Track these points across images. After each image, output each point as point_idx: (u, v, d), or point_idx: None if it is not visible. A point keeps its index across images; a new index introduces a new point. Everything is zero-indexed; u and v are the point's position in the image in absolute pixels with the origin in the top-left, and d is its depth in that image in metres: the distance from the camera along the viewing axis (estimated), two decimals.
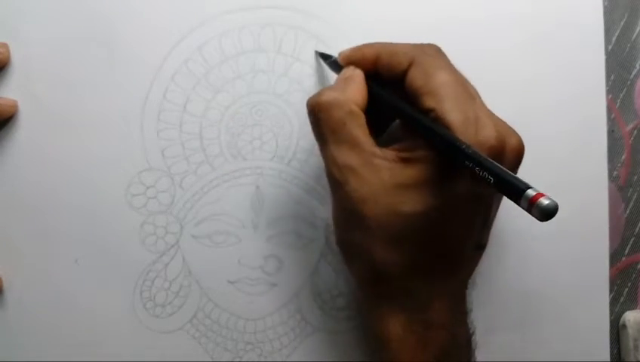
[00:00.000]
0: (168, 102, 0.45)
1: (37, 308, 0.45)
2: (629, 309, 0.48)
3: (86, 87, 0.45)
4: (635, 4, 0.47)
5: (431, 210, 0.35)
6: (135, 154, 0.45)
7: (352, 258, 0.40)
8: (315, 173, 0.45)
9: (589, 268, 0.46)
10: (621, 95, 0.47)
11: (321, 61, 0.45)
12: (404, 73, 0.38)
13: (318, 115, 0.38)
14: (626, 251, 0.48)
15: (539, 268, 0.45)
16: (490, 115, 0.37)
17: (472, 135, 0.35)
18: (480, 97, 0.38)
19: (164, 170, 0.45)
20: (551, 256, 0.46)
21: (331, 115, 0.37)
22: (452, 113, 0.35)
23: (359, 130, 0.37)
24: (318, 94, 0.38)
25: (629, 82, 0.47)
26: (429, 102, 0.36)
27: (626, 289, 0.48)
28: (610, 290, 0.47)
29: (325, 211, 0.45)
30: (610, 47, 0.47)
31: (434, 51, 0.39)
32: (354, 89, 0.39)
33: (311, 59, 0.45)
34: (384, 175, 0.36)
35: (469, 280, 0.40)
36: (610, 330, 0.46)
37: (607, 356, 0.46)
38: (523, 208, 0.29)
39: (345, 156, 0.37)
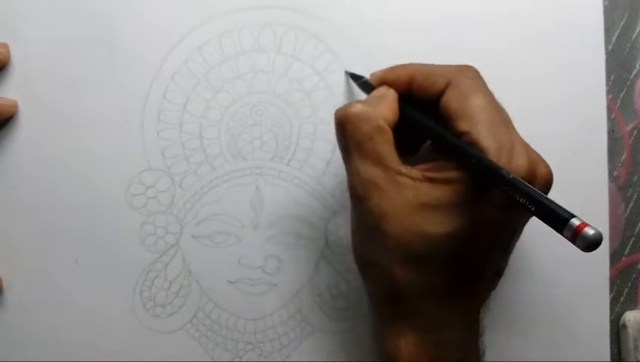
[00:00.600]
0: (168, 102, 0.45)
1: (37, 307, 0.45)
2: (629, 309, 0.47)
3: (86, 87, 0.45)
4: (635, 4, 0.47)
5: (454, 233, 0.35)
6: (135, 154, 0.45)
7: (369, 274, 0.39)
8: (315, 173, 0.45)
9: (589, 268, 0.46)
10: (621, 95, 0.47)
11: (351, 82, 0.44)
12: (440, 94, 0.38)
13: (345, 126, 0.37)
14: (626, 251, 0.48)
15: (539, 268, 0.45)
16: (523, 142, 0.36)
17: (505, 162, 0.34)
18: (512, 124, 0.38)
19: (164, 170, 0.45)
20: (551, 256, 0.46)
21: (359, 127, 0.37)
22: (487, 138, 0.35)
23: (386, 146, 0.37)
24: (347, 106, 0.38)
25: (629, 82, 0.47)
26: (463, 126, 0.36)
27: (626, 289, 0.48)
28: (611, 290, 0.47)
29: (325, 211, 0.45)
30: (610, 47, 0.47)
31: (472, 74, 0.38)
32: (385, 106, 0.38)
33: (311, 59, 0.45)
34: (408, 193, 0.35)
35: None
36: (611, 330, 0.46)
37: (607, 356, 0.46)
38: (566, 238, 0.29)
39: (369, 171, 0.36)
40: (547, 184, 0.37)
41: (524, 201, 0.31)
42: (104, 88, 0.45)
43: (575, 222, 0.28)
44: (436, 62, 0.45)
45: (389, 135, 0.37)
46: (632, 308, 0.48)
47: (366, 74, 0.44)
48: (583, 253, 0.46)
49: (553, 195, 0.45)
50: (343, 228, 0.45)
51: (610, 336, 0.46)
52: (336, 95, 0.45)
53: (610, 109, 0.47)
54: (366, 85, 0.42)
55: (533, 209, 0.31)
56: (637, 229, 0.48)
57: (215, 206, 0.45)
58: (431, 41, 0.46)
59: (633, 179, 0.48)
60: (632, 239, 0.48)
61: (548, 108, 0.46)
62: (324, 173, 0.45)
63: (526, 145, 0.36)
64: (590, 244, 0.28)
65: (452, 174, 0.35)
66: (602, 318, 0.46)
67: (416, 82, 0.39)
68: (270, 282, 0.45)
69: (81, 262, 0.45)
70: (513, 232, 0.38)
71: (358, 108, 0.37)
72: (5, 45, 0.44)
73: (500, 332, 0.46)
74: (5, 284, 0.45)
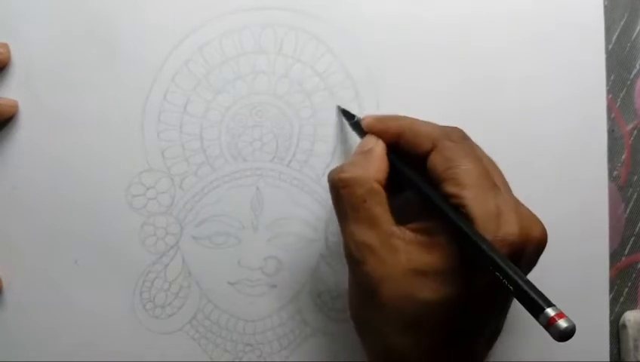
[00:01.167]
0: (169, 103, 0.45)
1: (37, 308, 0.45)
2: (629, 309, 0.48)
3: (86, 88, 0.45)
4: (635, 3, 0.47)
5: (446, 300, 0.35)
6: (135, 155, 0.45)
7: (366, 334, 0.39)
8: (315, 174, 0.45)
9: (588, 267, 0.46)
10: (621, 95, 0.47)
11: (343, 118, 0.45)
12: (425, 155, 0.38)
13: (339, 191, 0.38)
14: (626, 251, 0.48)
15: (538, 268, 0.45)
16: (514, 206, 0.36)
17: (493, 230, 0.34)
18: (505, 183, 0.38)
19: (164, 171, 0.45)
20: (550, 255, 0.45)
21: (352, 192, 0.37)
22: (473, 204, 0.35)
23: (379, 209, 0.37)
24: (340, 170, 0.38)
25: (629, 82, 0.48)
26: (449, 188, 0.36)
27: (626, 289, 0.48)
28: (610, 290, 0.47)
29: (325, 212, 0.45)
30: (610, 47, 0.47)
31: (458, 137, 0.38)
32: (375, 165, 0.38)
33: (311, 60, 0.45)
34: (401, 257, 0.35)
35: None
36: (610, 330, 0.46)
37: (606, 356, 0.46)
38: (541, 324, 0.29)
39: (363, 234, 0.37)
40: (540, 247, 0.37)
41: (502, 279, 0.31)
42: (104, 89, 0.45)
43: (550, 312, 0.29)
44: (437, 64, 0.46)
45: (382, 196, 0.37)
46: (632, 307, 0.48)
47: (366, 76, 0.44)
48: (583, 252, 0.46)
49: (553, 195, 0.45)
50: None
51: (610, 336, 0.46)
52: (336, 97, 0.45)
53: (610, 109, 0.47)
54: (357, 126, 0.42)
55: (511, 289, 0.31)
56: (637, 229, 0.48)
57: (215, 207, 0.45)
58: (431, 41, 0.46)
59: (633, 178, 0.48)
60: (632, 239, 0.48)
61: (548, 108, 0.46)
62: (324, 175, 0.45)
63: (517, 208, 0.36)
64: (563, 336, 0.28)
65: (441, 239, 0.35)
66: (602, 318, 0.46)
67: (404, 138, 0.39)
68: (270, 283, 0.45)
69: (81, 262, 0.45)
70: (509, 293, 0.38)
71: (350, 172, 0.38)
72: (5, 45, 0.44)
73: (500, 333, 0.46)
74: (5, 284, 0.45)
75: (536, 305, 0.30)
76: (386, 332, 0.36)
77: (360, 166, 0.38)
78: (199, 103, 0.45)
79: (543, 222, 0.43)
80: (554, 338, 0.28)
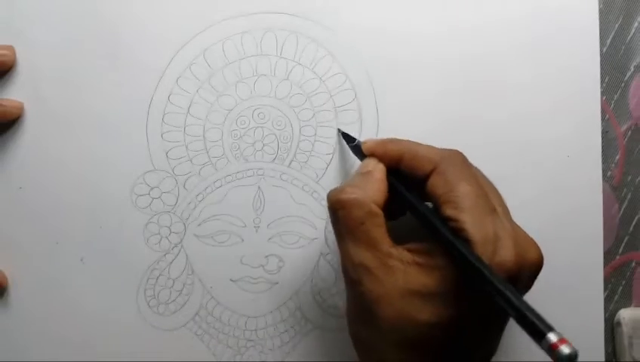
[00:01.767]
0: (172, 105, 0.45)
1: (42, 306, 0.45)
2: (623, 307, 0.48)
3: (91, 90, 0.45)
4: (629, 6, 0.48)
5: (445, 322, 0.35)
6: (139, 156, 0.45)
7: (364, 352, 0.39)
8: (316, 174, 0.45)
9: (583, 266, 0.46)
10: (615, 96, 0.48)
11: (343, 142, 0.45)
12: (426, 177, 0.38)
13: (338, 212, 0.38)
14: (620, 250, 0.48)
15: None
16: (511, 231, 0.36)
17: (490, 255, 0.34)
18: (504, 206, 0.38)
19: (168, 171, 0.45)
20: (545, 254, 0.45)
21: (351, 213, 0.37)
22: (471, 228, 0.35)
23: (377, 230, 0.37)
24: (339, 191, 0.38)
25: (623, 84, 0.48)
26: (448, 211, 0.36)
27: (621, 288, 0.48)
28: (605, 288, 0.47)
29: (325, 211, 0.45)
30: (604, 49, 0.47)
31: (458, 160, 0.38)
32: (374, 187, 0.38)
33: (311, 63, 0.45)
34: (399, 278, 0.35)
35: None
36: (605, 328, 0.46)
37: (601, 354, 0.46)
38: (542, 349, 0.29)
39: (361, 255, 0.37)
40: (536, 270, 0.37)
41: (503, 304, 0.32)
42: (109, 90, 0.45)
43: (552, 338, 0.29)
44: (435, 68, 0.46)
45: (381, 218, 0.37)
46: (627, 305, 0.48)
47: (365, 79, 0.44)
48: (578, 251, 0.46)
49: (549, 195, 0.46)
50: None
51: (605, 334, 0.46)
52: (336, 98, 0.46)
53: (604, 111, 0.47)
54: (357, 149, 0.42)
55: (513, 314, 0.31)
56: (631, 228, 0.48)
57: (218, 206, 0.45)
58: (430, 45, 0.46)
59: (627, 179, 0.48)
60: (626, 238, 0.48)
61: (544, 110, 0.46)
62: (324, 175, 0.45)
63: (515, 233, 0.36)
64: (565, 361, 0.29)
65: (439, 261, 0.35)
66: (597, 316, 0.46)
67: (404, 161, 0.39)
68: (271, 280, 0.45)
69: (87, 260, 0.45)
70: (505, 317, 0.38)
71: (349, 193, 0.38)
72: (11, 47, 0.45)
73: None
74: (11, 283, 0.45)
75: (537, 330, 0.30)
76: (383, 351, 0.36)
77: (359, 188, 0.38)
78: (202, 105, 0.45)
79: (539, 221, 0.43)
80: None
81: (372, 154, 0.41)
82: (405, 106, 0.46)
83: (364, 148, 0.41)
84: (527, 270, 0.36)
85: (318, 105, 0.45)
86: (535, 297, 0.46)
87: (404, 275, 0.35)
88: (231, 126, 0.45)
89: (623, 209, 0.48)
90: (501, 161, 0.46)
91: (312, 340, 0.46)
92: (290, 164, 0.45)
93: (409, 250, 0.37)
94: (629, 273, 0.48)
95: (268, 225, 0.45)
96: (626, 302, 0.48)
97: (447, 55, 0.46)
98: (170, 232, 0.45)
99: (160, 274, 0.45)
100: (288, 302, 0.46)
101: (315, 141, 0.45)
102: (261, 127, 0.45)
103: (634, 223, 0.48)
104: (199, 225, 0.45)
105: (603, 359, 0.46)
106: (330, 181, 0.46)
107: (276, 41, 0.45)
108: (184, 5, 0.45)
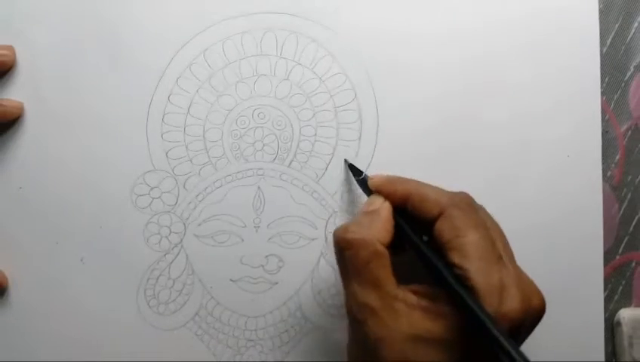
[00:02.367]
0: (172, 105, 0.45)
1: (42, 306, 0.45)
2: (623, 307, 0.48)
3: (91, 90, 0.45)
4: (629, 7, 0.48)
5: None
6: (139, 156, 0.45)
7: None
8: (315, 174, 0.46)
9: (583, 266, 0.46)
10: (615, 96, 0.48)
11: (350, 174, 0.45)
12: (433, 220, 0.38)
13: (344, 251, 0.38)
14: (620, 250, 0.48)
15: (533, 267, 0.45)
16: (516, 278, 0.36)
17: (496, 304, 0.34)
18: (508, 249, 0.38)
19: (168, 171, 0.45)
20: (546, 254, 0.46)
21: (356, 253, 0.37)
22: (477, 277, 0.35)
23: (382, 271, 0.36)
24: (345, 230, 0.38)
25: (623, 84, 0.48)
26: (455, 259, 0.36)
27: (620, 288, 0.48)
28: (605, 288, 0.47)
29: (325, 211, 0.46)
30: (604, 50, 0.47)
31: (465, 204, 0.38)
32: (380, 226, 0.38)
33: (311, 63, 0.46)
34: (403, 321, 0.35)
35: None
36: (605, 328, 0.47)
37: (601, 354, 0.46)
38: None
39: (366, 296, 0.36)
40: (540, 315, 0.37)
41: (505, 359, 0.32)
42: (109, 90, 0.45)
43: None
44: (435, 68, 0.46)
45: (386, 258, 0.37)
46: (627, 305, 0.48)
47: (365, 79, 0.44)
48: (578, 251, 0.46)
49: (549, 195, 0.46)
50: None
51: (605, 334, 0.46)
52: (336, 98, 0.46)
53: (604, 111, 0.47)
54: (363, 183, 0.42)
55: None
56: (631, 228, 0.48)
57: (218, 206, 0.45)
58: (430, 45, 0.46)
59: (627, 179, 0.48)
60: (626, 238, 0.48)
61: (544, 110, 0.46)
62: (323, 175, 0.45)
63: (519, 280, 0.36)
64: None
65: (444, 308, 0.35)
66: (597, 316, 0.46)
67: (411, 202, 0.39)
68: (271, 280, 0.45)
69: (87, 260, 0.45)
70: None
71: (355, 233, 0.37)
72: (11, 47, 0.45)
73: None
74: (11, 283, 0.45)
75: None
76: None
77: (365, 227, 0.38)
78: (202, 105, 0.45)
79: (539, 221, 0.43)
80: None
81: (378, 192, 0.40)
82: (405, 106, 0.46)
83: (370, 184, 0.41)
84: (531, 317, 0.36)
85: (318, 105, 0.46)
86: None
87: (409, 319, 0.35)
88: (231, 126, 0.45)
89: (623, 209, 0.48)
90: (501, 161, 0.46)
91: (312, 340, 0.46)
92: (290, 164, 0.46)
93: (414, 292, 0.36)
94: (629, 273, 0.48)
95: (268, 225, 0.45)
96: (626, 302, 0.48)
97: (447, 55, 0.46)
98: (170, 232, 0.45)
99: (160, 274, 0.45)
100: (288, 302, 0.46)
101: (315, 141, 0.45)
102: (261, 127, 0.46)
103: (634, 223, 0.48)
104: (199, 225, 0.45)
105: (603, 359, 0.46)
106: (331, 181, 0.46)
107: (276, 41, 0.45)
108: (184, 5, 0.45)
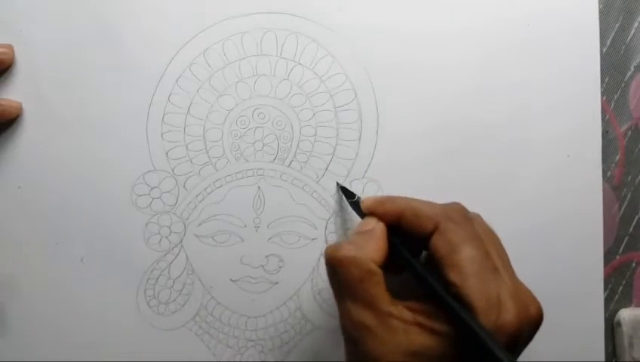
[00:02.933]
0: (172, 105, 0.45)
1: (42, 306, 0.45)
2: (623, 307, 0.48)
3: (91, 90, 0.45)
4: (629, 7, 0.48)
5: None
6: (140, 156, 0.45)
7: None
8: (315, 175, 0.46)
9: (583, 266, 0.46)
10: (615, 96, 0.48)
11: (343, 197, 0.45)
12: (427, 236, 0.37)
13: (336, 269, 0.37)
14: (620, 250, 0.48)
15: (533, 267, 0.45)
16: (512, 287, 0.36)
17: (493, 319, 0.34)
18: (503, 258, 0.38)
19: (168, 171, 0.45)
20: (546, 254, 0.46)
21: (349, 271, 0.37)
22: (474, 294, 0.34)
23: (376, 289, 0.36)
24: (337, 248, 0.38)
25: (623, 84, 0.48)
26: (451, 276, 0.35)
27: (621, 288, 0.48)
28: (605, 288, 0.47)
29: (325, 211, 0.46)
30: (604, 50, 0.47)
31: (460, 217, 0.38)
32: (373, 246, 0.38)
33: (311, 63, 0.46)
34: (399, 338, 0.35)
35: None
36: (605, 328, 0.47)
37: (601, 354, 0.46)
38: None
39: (360, 314, 0.36)
40: (537, 325, 0.37)
41: None
42: (109, 90, 0.45)
43: None
44: (434, 68, 0.46)
45: (380, 277, 0.37)
46: (627, 305, 0.48)
47: (365, 79, 0.44)
48: (578, 251, 0.46)
49: (549, 195, 0.46)
50: (341, 229, 0.46)
51: (605, 334, 0.46)
52: (336, 98, 0.46)
53: (604, 111, 0.47)
54: (356, 205, 0.42)
55: None
56: (631, 228, 0.48)
57: (218, 206, 0.45)
58: (429, 45, 0.46)
59: (627, 178, 0.48)
60: (626, 238, 0.48)
61: (544, 110, 0.46)
62: (324, 175, 0.46)
63: (516, 290, 0.36)
64: None
65: (442, 327, 0.35)
66: (597, 316, 0.46)
67: (405, 220, 0.39)
68: (271, 280, 0.45)
69: (87, 260, 0.45)
70: None
71: (347, 251, 0.37)
72: (10, 46, 0.45)
73: None
74: (11, 283, 0.45)
75: None
76: None
77: (358, 246, 0.38)
78: (202, 105, 0.45)
79: (539, 221, 0.43)
80: None
81: (371, 214, 0.40)
82: (405, 106, 0.46)
83: (363, 207, 0.41)
84: (528, 326, 0.36)
85: (318, 105, 0.46)
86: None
87: (405, 335, 0.35)
88: (231, 126, 0.46)
89: (623, 209, 0.48)
90: (501, 160, 0.46)
91: (312, 340, 0.46)
92: (290, 164, 0.46)
93: (410, 309, 0.36)
94: (629, 273, 0.48)
95: (268, 225, 0.45)
96: (626, 302, 0.48)
97: (447, 55, 0.46)
98: (171, 232, 0.45)
99: (160, 274, 0.45)
100: (288, 302, 0.46)
101: (315, 141, 0.46)
102: (261, 127, 0.46)
103: (634, 223, 0.48)
104: (199, 225, 0.45)
105: (603, 359, 0.46)
106: (331, 181, 0.46)
107: (276, 41, 0.45)
108: (184, 5, 0.45)
